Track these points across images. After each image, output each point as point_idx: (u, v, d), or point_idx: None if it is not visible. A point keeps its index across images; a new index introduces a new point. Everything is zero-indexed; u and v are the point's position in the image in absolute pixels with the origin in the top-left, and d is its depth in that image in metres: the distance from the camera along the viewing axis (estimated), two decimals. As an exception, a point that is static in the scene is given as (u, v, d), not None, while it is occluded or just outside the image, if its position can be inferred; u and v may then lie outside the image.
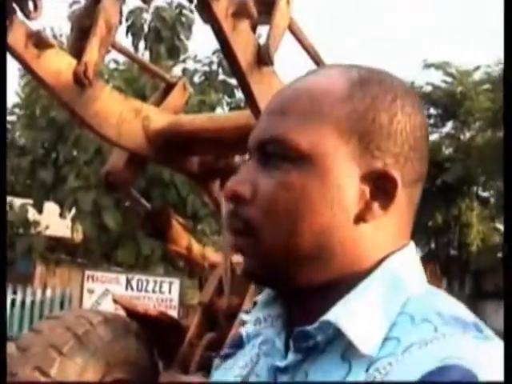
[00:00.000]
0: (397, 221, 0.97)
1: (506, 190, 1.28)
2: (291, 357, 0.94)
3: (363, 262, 0.94)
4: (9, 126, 15.64)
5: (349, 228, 0.93)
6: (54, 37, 14.42)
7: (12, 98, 15.41)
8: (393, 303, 0.92)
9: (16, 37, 3.49)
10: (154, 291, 15.01)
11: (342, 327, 0.88)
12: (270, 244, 0.94)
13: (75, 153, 13.67)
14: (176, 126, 4.83)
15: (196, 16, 9.82)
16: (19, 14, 3.47)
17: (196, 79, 14.98)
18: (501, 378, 0.81)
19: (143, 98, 11.15)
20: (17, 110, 15.65)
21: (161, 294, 14.40)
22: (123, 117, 4.22)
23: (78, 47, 3.89)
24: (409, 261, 0.97)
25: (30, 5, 3.46)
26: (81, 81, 3.74)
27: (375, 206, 0.94)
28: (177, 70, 15.52)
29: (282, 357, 0.96)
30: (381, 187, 0.94)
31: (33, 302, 16.92)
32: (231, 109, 14.76)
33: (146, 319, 5.69)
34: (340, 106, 0.95)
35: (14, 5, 3.43)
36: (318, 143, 0.93)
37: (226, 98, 15.48)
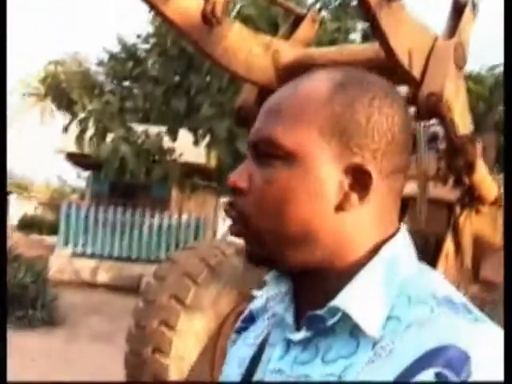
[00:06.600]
0: (378, 208, 1.09)
1: (506, 190, 1.36)
2: (303, 333, 1.08)
3: (347, 247, 1.07)
4: (143, 54, 15.94)
5: (329, 216, 1.06)
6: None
7: (146, 27, 15.56)
8: (391, 286, 1.04)
9: (145, -20, 3.51)
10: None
11: (349, 312, 1.02)
12: (259, 231, 1.09)
13: (208, 80, 13.73)
14: (306, 59, 4.75)
15: None
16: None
17: (331, 6, 14.61)
18: (491, 358, 0.92)
19: (275, 26, 11.05)
20: (151, 40, 15.81)
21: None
22: (253, 52, 4.20)
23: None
24: (402, 244, 1.10)
25: None
26: (209, 20, 3.73)
27: (353, 196, 1.06)
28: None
29: (293, 330, 1.11)
30: (358, 180, 1.06)
31: (169, 226, 17.50)
32: (364, 35, 14.37)
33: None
34: (322, 109, 1.07)
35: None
36: (302, 144, 1.06)
37: (360, 23, 15.05)
